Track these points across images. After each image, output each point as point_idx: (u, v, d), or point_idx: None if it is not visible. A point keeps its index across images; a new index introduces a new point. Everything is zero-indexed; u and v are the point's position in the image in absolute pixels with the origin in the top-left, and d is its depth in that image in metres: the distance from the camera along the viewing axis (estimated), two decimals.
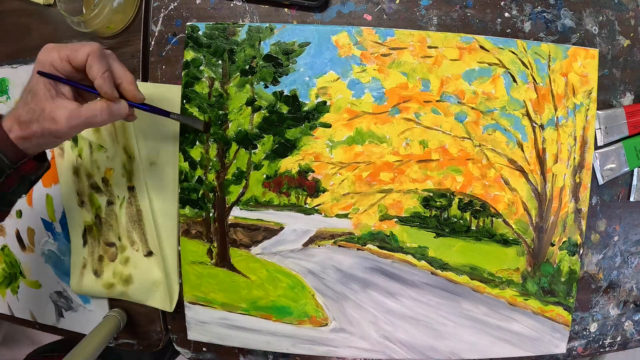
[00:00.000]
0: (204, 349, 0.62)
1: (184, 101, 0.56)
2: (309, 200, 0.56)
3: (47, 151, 0.62)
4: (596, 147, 0.56)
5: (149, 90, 0.58)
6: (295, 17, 0.55)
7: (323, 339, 0.58)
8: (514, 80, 0.54)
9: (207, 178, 0.57)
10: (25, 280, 0.67)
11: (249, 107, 0.56)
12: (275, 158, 0.56)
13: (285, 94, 0.55)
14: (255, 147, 0.56)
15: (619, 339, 0.60)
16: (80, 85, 0.44)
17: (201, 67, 0.56)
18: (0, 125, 0.43)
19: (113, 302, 0.63)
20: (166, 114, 0.50)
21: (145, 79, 0.58)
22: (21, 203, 0.65)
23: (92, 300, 0.64)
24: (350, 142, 0.55)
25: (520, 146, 0.54)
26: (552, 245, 0.56)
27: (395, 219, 0.56)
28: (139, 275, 0.60)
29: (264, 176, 0.56)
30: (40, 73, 0.43)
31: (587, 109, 0.54)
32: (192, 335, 0.60)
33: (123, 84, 0.45)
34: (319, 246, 0.57)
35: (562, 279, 0.56)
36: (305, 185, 0.56)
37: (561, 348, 0.57)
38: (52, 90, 0.43)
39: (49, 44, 0.43)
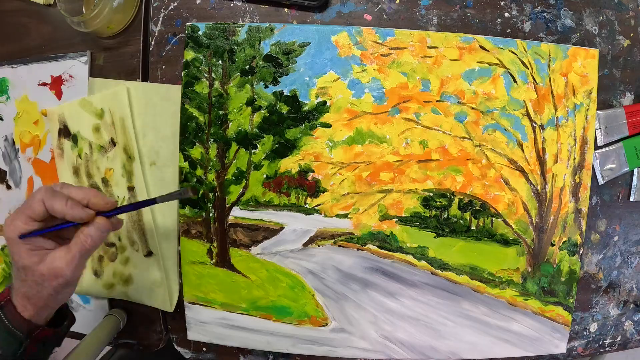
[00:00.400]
0: (204, 349, 0.62)
1: (184, 101, 0.56)
2: (309, 200, 0.56)
3: (47, 151, 0.62)
4: (596, 147, 0.56)
5: (149, 90, 0.58)
6: (295, 17, 0.55)
7: (323, 339, 0.58)
8: (514, 80, 0.54)
9: (207, 178, 0.57)
10: None
11: (249, 107, 0.56)
12: (275, 158, 0.56)
13: (285, 94, 0.55)
14: (255, 147, 0.56)
15: (619, 339, 0.60)
16: (55, 227, 0.44)
17: (201, 67, 0.56)
18: (12, 304, 0.43)
19: (113, 302, 0.63)
20: (151, 202, 0.46)
21: (145, 79, 0.58)
22: (21, 203, 0.65)
23: (92, 300, 0.64)
24: (350, 142, 0.55)
25: (520, 146, 0.54)
26: (552, 245, 0.56)
27: (395, 219, 0.56)
28: (139, 275, 0.60)
29: (264, 176, 0.56)
30: (22, 237, 0.42)
31: (587, 109, 0.54)
32: (192, 335, 0.60)
33: (90, 200, 0.44)
34: (319, 246, 0.57)
35: (562, 279, 0.56)
36: (305, 185, 0.56)
37: (561, 348, 0.57)
38: (37, 255, 0.42)
39: (6, 219, 0.43)
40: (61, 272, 0.42)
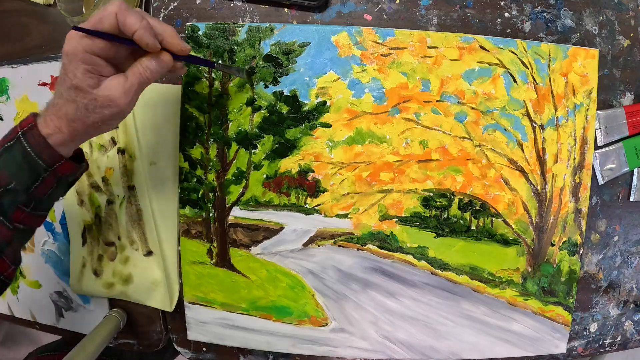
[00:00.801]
0: (204, 349, 0.62)
1: (184, 101, 0.56)
2: (309, 200, 0.56)
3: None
4: (596, 147, 0.56)
5: (149, 90, 0.58)
6: (295, 17, 0.55)
7: (323, 339, 0.58)
8: (514, 80, 0.54)
9: (207, 178, 0.57)
10: (25, 280, 0.67)
11: (249, 107, 0.56)
12: (275, 158, 0.56)
13: (285, 94, 0.55)
14: (255, 147, 0.56)
15: (619, 339, 0.60)
16: (120, 39, 0.40)
17: (201, 67, 0.56)
18: (37, 129, 0.41)
19: (113, 302, 0.63)
20: (211, 64, 0.51)
21: None
22: None
23: (92, 300, 0.64)
24: (350, 142, 0.55)
25: (520, 146, 0.54)
26: (552, 245, 0.56)
27: (395, 219, 0.56)
28: (138, 275, 0.60)
29: (264, 176, 0.56)
30: (76, 29, 0.38)
31: (587, 109, 0.54)
32: (192, 335, 0.60)
33: (165, 38, 0.42)
34: (319, 246, 0.57)
35: (562, 279, 0.56)
36: (305, 185, 0.56)
37: (561, 348, 0.57)
38: (94, 78, 0.40)
39: (70, 32, 0.39)
40: (116, 101, 0.40)
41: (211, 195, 0.57)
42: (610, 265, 0.58)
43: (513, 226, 0.55)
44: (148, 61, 0.41)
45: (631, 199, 0.57)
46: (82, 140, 0.44)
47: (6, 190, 0.41)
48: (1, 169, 0.41)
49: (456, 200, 0.55)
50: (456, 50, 0.53)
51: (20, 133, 0.41)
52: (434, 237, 0.56)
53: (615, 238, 0.58)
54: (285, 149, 0.56)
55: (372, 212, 0.56)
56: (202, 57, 0.55)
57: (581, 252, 0.56)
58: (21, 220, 0.43)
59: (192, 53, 0.56)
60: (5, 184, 0.41)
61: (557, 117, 0.54)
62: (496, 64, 0.54)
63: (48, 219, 0.64)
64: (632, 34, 0.55)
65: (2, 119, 0.65)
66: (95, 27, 0.39)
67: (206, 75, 0.56)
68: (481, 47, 0.53)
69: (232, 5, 0.56)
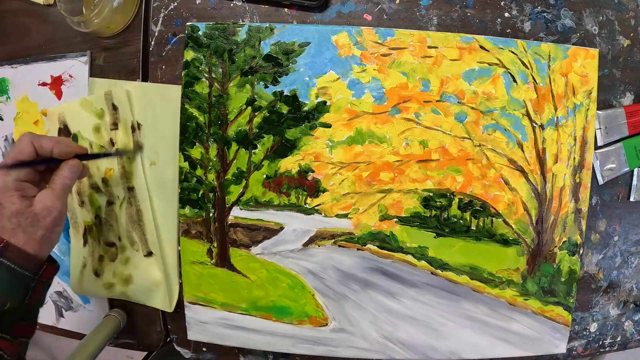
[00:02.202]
0: (204, 349, 0.62)
1: (184, 101, 0.56)
2: (309, 200, 0.56)
3: None
4: (596, 147, 0.56)
5: (149, 90, 0.58)
6: (295, 17, 0.55)
7: (323, 339, 0.58)
8: (514, 80, 0.54)
9: (207, 178, 0.57)
10: None
11: (249, 107, 0.56)
12: (275, 158, 0.56)
13: (285, 94, 0.55)
14: (255, 147, 0.56)
15: (619, 339, 0.60)
16: (40, 162, 0.47)
17: (201, 67, 0.56)
18: (12, 245, 0.44)
19: (113, 302, 0.63)
20: (105, 155, 0.58)
21: (145, 79, 0.58)
22: None
23: (92, 300, 0.64)
24: (350, 142, 0.55)
25: (520, 146, 0.54)
26: (552, 245, 0.56)
27: (395, 219, 0.56)
28: (139, 275, 0.60)
29: (264, 176, 0.56)
30: (12, 167, 0.45)
31: (587, 109, 0.54)
32: (192, 335, 0.60)
33: (69, 146, 0.49)
34: (319, 246, 0.57)
35: (562, 279, 0.56)
36: (305, 185, 0.56)
37: (561, 348, 0.57)
38: (26, 199, 0.45)
39: None
40: (53, 207, 0.46)
41: (211, 195, 0.57)
42: (610, 265, 0.58)
43: (513, 226, 0.55)
44: (63, 171, 0.48)
45: (631, 199, 0.57)
46: (50, 246, 0.47)
47: (4, 311, 0.43)
48: None
49: (456, 200, 0.55)
50: (456, 50, 0.53)
51: None
52: (434, 237, 0.56)
53: (615, 238, 0.58)
54: (285, 149, 0.56)
55: (372, 212, 0.56)
56: (202, 56, 0.55)
57: (581, 252, 0.56)
58: (23, 334, 0.46)
59: (191, 53, 0.56)
60: (2, 305, 0.43)
61: (557, 117, 0.54)
62: (496, 64, 0.54)
63: None
64: (632, 34, 0.55)
65: (2, 119, 0.65)
66: (17, 159, 0.45)
67: (206, 75, 0.56)
68: (481, 47, 0.53)
69: (232, 5, 0.56)
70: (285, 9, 0.55)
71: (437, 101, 0.54)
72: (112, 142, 0.59)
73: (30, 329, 0.48)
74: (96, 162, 0.60)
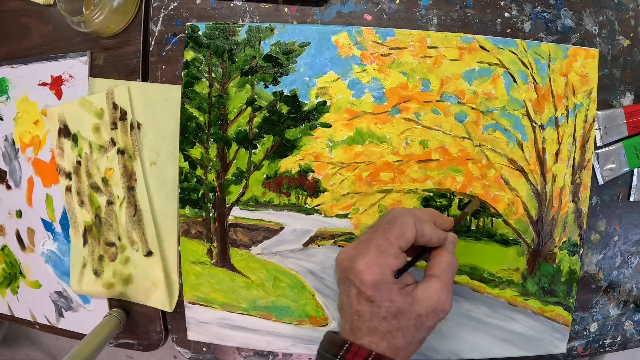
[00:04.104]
0: (204, 349, 0.62)
1: (184, 101, 0.56)
2: (309, 200, 0.56)
3: (47, 151, 0.62)
4: (596, 147, 0.56)
5: (149, 90, 0.58)
6: (295, 17, 0.55)
7: None
8: (514, 80, 0.54)
9: (207, 178, 0.57)
10: (25, 280, 0.67)
11: (249, 107, 0.56)
12: (275, 158, 0.56)
13: (285, 94, 0.55)
14: (255, 147, 0.56)
15: (619, 339, 0.60)
16: (417, 258, 0.40)
17: (201, 67, 0.56)
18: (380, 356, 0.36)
19: (113, 302, 0.63)
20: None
21: (145, 79, 0.58)
22: (21, 203, 0.65)
23: (92, 300, 0.64)
24: (350, 142, 0.55)
25: (520, 146, 0.54)
26: (552, 245, 0.56)
27: None
28: (139, 275, 0.60)
29: (264, 176, 0.56)
30: (398, 276, 0.37)
31: (587, 109, 0.54)
32: (192, 335, 0.60)
33: (436, 221, 0.41)
34: (319, 246, 0.57)
35: (562, 279, 0.56)
36: (305, 185, 0.56)
37: (561, 348, 0.57)
38: (407, 293, 0.37)
39: (353, 260, 0.37)
40: (444, 306, 0.37)
41: (211, 195, 0.57)
42: (610, 265, 0.58)
43: (513, 226, 0.55)
44: (447, 250, 0.40)
45: (631, 199, 0.57)
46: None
47: None
48: None
49: (456, 200, 0.55)
50: (456, 50, 0.53)
51: None
52: None
53: (615, 238, 0.58)
54: (285, 149, 0.56)
55: (372, 212, 0.56)
56: (202, 56, 0.55)
57: (581, 252, 0.56)
58: None
59: (191, 53, 0.56)
60: None
61: (557, 117, 0.54)
62: (496, 64, 0.54)
63: (48, 219, 0.64)
64: (632, 34, 0.55)
65: (2, 119, 0.65)
66: (399, 247, 0.37)
67: (206, 75, 0.56)
68: (481, 47, 0.53)
69: (232, 5, 0.56)
70: (285, 9, 0.55)
71: (437, 101, 0.54)
72: (112, 142, 0.59)
73: None
74: (96, 162, 0.60)
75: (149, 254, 0.59)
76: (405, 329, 0.36)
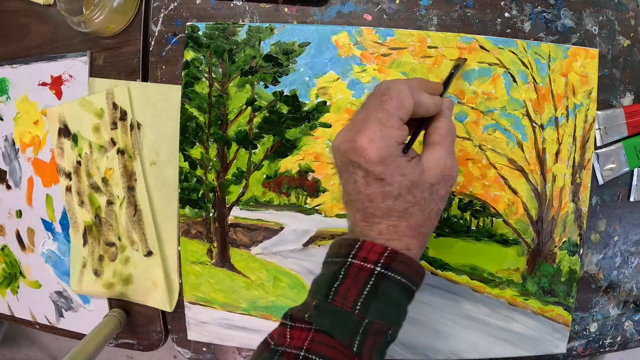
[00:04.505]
0: (204, 349, 0.62)
1: (184, 101, 0.56)
2: (309, 200, 0.56)
3: (47, 151, 0.62)
4: (596, 147, 0.56)
5: (149, 90, 0.58)
6: (295, 17, 0.55)
7: None
8: (514, 80, 0.54)
9: (207, 178, 0.57)
10: (25, 280, 0.67)
11: (249, 107, 0.56)
12: (275, 158, 0.56)
13: (285, 94, 0.55)
14: (255, 147, 0.56)
15: (619, 339, 0.60)
16: (419, 130, 0.38)
17: (201, 67, 0.56)
18: (403, 255, 0.33)
19: (113, 302, 0.63)
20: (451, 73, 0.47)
21: (145, 79, 0.58)
22: (21, 203, 0.65)
23: (92, 300, 0.64)
24: None
25: (520, 146, 0.54)
26: (552, 245, 0.56)
27: None
28: (139, 275, 0.60)
29: (264, 176, 0.56)
30: (405, 151, 0.34)
31: (587, 109, 0.54)
32: (192, 335, 0.60)
33: (425, 86, 0.38)
34: (319, 246, 0.57)
35: (562, 279, 0.56)
36: (305, 185, 0.56)
37: (561, 348, 0.57)
38: (414, 164, 0.34)
39: (354, 139, 0.33)
40: (451, 171, 0.35)
41: (211, 195, 0.57)
42: (610, 265, 0.58)
43: (513, 226, 0.55)
44: (444, 117, 0.37)
45: (631, 199, 0.57)
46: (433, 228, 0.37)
47: (387, 342, 0.34)
48: (378, 319, 0.33)
49: (456, 200, 0.55)
50: (456, 50, 0.53)
51: (381, 269, 0.33)
52: (434, 237, 0.56)
53: (615, 238, 0.58)
54: (285, 149, 0.56)
55: None
56: (202, 56, 0.55)
57: (581, 252, 0.56)
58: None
59: (191, 53, 0.56)
60: (385, 331, 0.34)
61: (557, 117, 0.54)
62: (496, 64, 0.54)
63: (48, 219, 0.64)
64: (632, 34, 0.55)
65: (2, 119, 0.65)
66: (400, 117, 0.34)
67: (206, 75, 0.56)
68: (481, 47, 0.53)
69: (232, 5, 0.56)
70: (285, 9, 0.55)
71: None
72: (112, 142, 0.59)
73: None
74: (96, 162, 0.60)
75: (149, 254, 0.59)
76: (422, 202, 0.34)
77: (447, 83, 0.45)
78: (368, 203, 0.34)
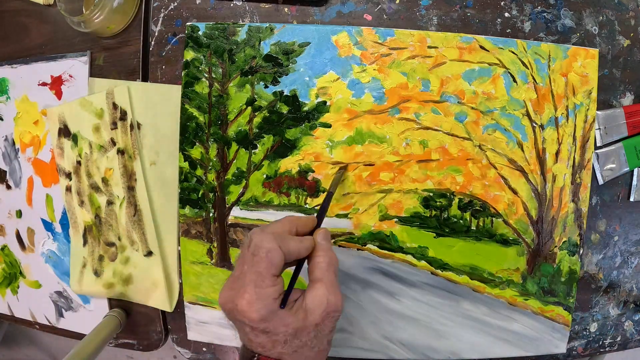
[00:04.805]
0: (204, 349, 0.62)
1: (184, 101, 0.56)
2: (309, 200, 0.56)
3: (47, 151, 0.62)
4: (596, 147, 0.56)
5: (149, 90, 0.58)
6: (295, 17, 0.55)
7: None
8: (514, 80, 0.54)
9: (207, 178, 0.57)
10: (25, 280, 0.67)
11: (249, 107, 0.56)
12: (275, 158, 0.56)
13: (285, 94, 0.55)
14: (255, 147, 0.56)
15: (619, 339, 0.60)
16: (294, 276, 0.39)
17: (201, 67, 0.56)
18: None
19: (113, 302, 0.63)
20: (329, 195, 0.48)
21: (145, 79, 0.58)
22: (21, 203, 0.65)
23: (92, 300, 0.64)
24: (350, 142, 0.55)
25: (520, 146, 0.54)
26: (552, 245, 0.56)
27: (395, 219, 0.56)
28: (139, 275, 0.60)
29: (264, 176, 0.56)
30: (283, 306, 0.36)
31: (587, 109, 0.54)
32: (192, 335, 0.60)
33: (298, 228, 0.41)
34: None
35: (562, 279, 0.56)
36: (305, 185, 0.56)
37: (561, 348, 0.57)
38: (298, 311, 0.37)
39: (234, 301, 0.36)
40: (335, 307, 0.37)
41: (211, 195, 0.57)
42: (610, 265, 0.58)
43: (513, 226, 0.55)
44: (321, 250, 0.39)
45: (631, 199, 0.57)
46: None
47: None
48: None
49: (456, 200, 0.55)
50: (456, 50, 0.53)
51: None
52: (434, 237, 0.56)
53: (615, 238, 0.58)
54: (285, 149, 0.56)
55: (372, 212, 0.56)
56: (202, 56, 0.55)
57: (581, 252, 0.56)
58: None
59: (191, 53, 0.56)
60: None
61: (557, 117, 0.54)
62: (496, 64, 0.54)
63: (48, 219, 0.64)
64: (632, 34, 0.55)
65: (2, 119, 0.65)
66: (273, 275, 0.37)
67: (206, 75, 0.56)
68: (481, 47, 0.53)
69: (232, 5, 0.56)
70: (285, 9, 0.55)
71: (437, 101, 0.54)
72: (112, 142, 0.59)
73: None
74: (96, 162, 0.60)
75: (149, 254, 0.59)
76: (308, 343, 0.37)
77: (321, 214, 0.45)
78: (261, 349, 0.37)
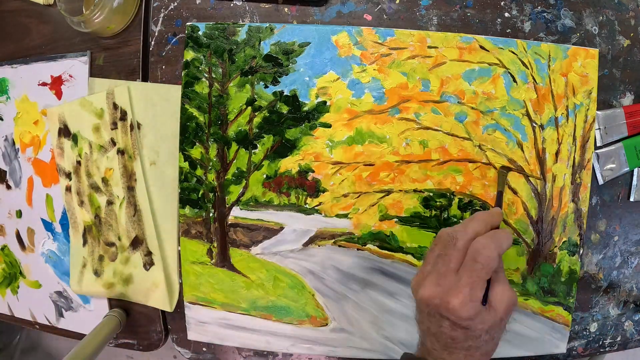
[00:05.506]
0: (204, 349, 0.62)
1: (184, 101, 0.56)
2: (309, 200, 0.56)
3: (47, 151, 0.62)
4: (596, 147, 0.56)
5: (149, 90, 0.58)
6: (295, 17, 0.55)
7: (323, 339, 0.58)
8: (514, 80, 0.54)
9: (207, 178, 0.57)
10: (25, 280, 0.67)
11: (249, 107, 0.56)
12: (275, 158, 0.56)
13: (285, 94, 0.55)
14: (255, 147, 0.56)
15: (619, 339, 0.60)
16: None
17: (201, 67, 0.56)
18: None
19: (113, 302, 0.63)
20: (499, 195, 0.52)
21: (145, 79, 0.58)
22: (21, 203, 0.65)
23: (92, 300, 0.64)
24: (350, 142, 0.55)
25: (520, 146, 0.54)
26: (552, 245, 0.56)
27: (396, 219, 0.56)
28: (139, 275, 0.60)
29: (264, 176, 0.56)
30: (485, 302, 0.39)
31: (587, 109, 0.54)
32: (192, 335, 0.60)
33: (493, 223, 0.43)
34: (319, 246, 0.57)
35: (562, 279, 0.56)
36: (305, 185, 0.56)
37: (561, 348, 0.57)
38: (488, 308, 0.40)
39: (449, 300, 0.38)
40: (514, 300, 0.40)
41: (211, 195, 0.57)
42: (610, 265, 0.58)
43: (513, 226, 0.55)
44: (490, 246, 0.40)
45: (631, 199, 0.57)
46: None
47: None
48: None
49: (456, 200, 0.55)
50: (456, 50, 0.53)
51: None
52: (434, 237, 0.55)
53: (615, 238, 0.58)
54: (285, 149, 0.56)
55: (372, 212, 0.56)
56: (202, 56, 0.55)
57: (581, 252, 0.56)
58: None
59: (191, 53, 0.56)
60: None
61: (557, 117, 0.54)
62: (496, 64, 0.54)
63: (48, 219, 0.64)
64: (632, 34, 0.55)
65: (2, 119, 0.65)
66: (487, 279, 0.39)
67: (206, 75, 0.56)
68: (481, 47, 0.53)
69: (232, 5, 0.56)
70: (285, 9, 0.55)
71: (437, 101, 0.54)
72: (112, 142, 0.59)
73: None
74: (96, 162, 0.60)
75: (149, 254, 0.59)
76: (495, 336, 0.40)
77: (500, 204, 0.51)
78: (450, 341, 0.39)
